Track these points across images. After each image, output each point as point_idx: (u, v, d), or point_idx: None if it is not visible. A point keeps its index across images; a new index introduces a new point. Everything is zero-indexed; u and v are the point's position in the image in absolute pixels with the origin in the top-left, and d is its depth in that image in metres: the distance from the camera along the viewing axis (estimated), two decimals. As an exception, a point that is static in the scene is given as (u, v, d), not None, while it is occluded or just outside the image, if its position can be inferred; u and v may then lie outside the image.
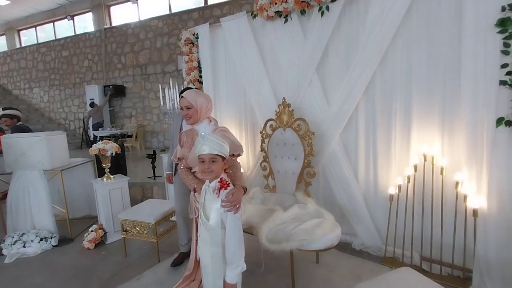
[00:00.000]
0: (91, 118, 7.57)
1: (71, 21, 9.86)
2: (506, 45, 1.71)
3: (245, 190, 1.44)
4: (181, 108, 1.83)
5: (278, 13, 2.67)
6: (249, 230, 2.26)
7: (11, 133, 3.47)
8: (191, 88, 2.59)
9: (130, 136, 7.40)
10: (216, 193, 1.32)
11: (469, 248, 1.97)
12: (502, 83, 1.74)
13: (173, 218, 2.79)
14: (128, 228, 2.62)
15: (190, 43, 3.53)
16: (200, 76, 3.58)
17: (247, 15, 2.99)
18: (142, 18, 8.48)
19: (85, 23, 9.71)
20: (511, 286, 1.80)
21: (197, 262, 1.72)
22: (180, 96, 1.96)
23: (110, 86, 8.52)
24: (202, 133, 1.29)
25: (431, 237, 2.12)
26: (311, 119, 2.59)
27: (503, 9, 1.70)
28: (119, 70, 8.84)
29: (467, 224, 1.95)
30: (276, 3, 2.60)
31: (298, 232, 1.96)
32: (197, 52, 3.56)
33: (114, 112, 9.01)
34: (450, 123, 2.02)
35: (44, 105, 10.44)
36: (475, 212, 1.88)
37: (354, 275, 2.18)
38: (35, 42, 10.61)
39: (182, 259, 2.43)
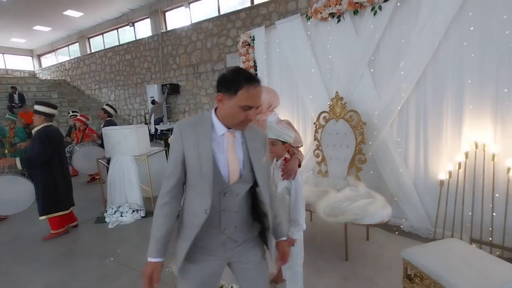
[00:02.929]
0: (153, 114, 8.54)
1: (132, 27, 11.05)
2: None
3: (300, 163, 1.76)
4: None
5: (332, 14, 2.94)
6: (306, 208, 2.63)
7: (104, 126, 4.28)
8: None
9: (185, 130, 8.20)
10: (281, 169, 1.69)
11: (520, 231, 2.09)
12: (558, 73, 1.83)
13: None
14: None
15: (247, 45, 3.95)
16: (256, 74, 3.99)
17: (301, 17, 3.30)
18: (194, 21, 9.21)
19: (144, 29, 10.81)
20: None
21: None
22: None
23: (167, 85, 9.45)
24: (269, 123, 1.68)
25: (482, 220, 2.26)
26: (362, 110, 2.83)
27: (560, 2, 1.78)
28: (174, 70, 9.74)
29: (519, 207, 2.06)
30: (330, 6, 2.87)
31: (352, 209, 2.27)
32: (253, 53, 3.97)
33: (170, 108, 9.97)
34: (502, 113, 2.13)
35: (111, 103, 11.91)
36: (527, 196, 1.99)
37: (404, 251, 2.42)
38: (102, 48, 12.11)
39: None
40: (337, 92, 2.91)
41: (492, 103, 2.18)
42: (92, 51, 12.74)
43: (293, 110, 3.70)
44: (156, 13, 10.00)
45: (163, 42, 9.83)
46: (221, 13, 8.69)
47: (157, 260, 1.10)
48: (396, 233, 2.76)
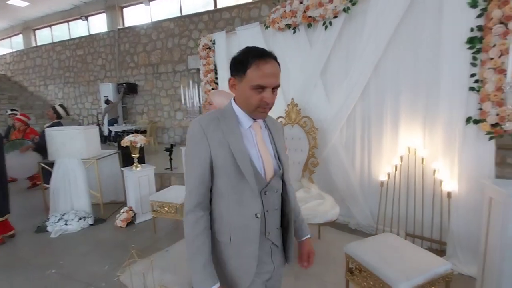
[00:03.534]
0: (107, 114, 8.03)
1: (85, 21, 10.31)
2: (474, 58, 2.12)
3: None
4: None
5: (288, 25, 3.10)
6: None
7: (49, 127, 3.93)
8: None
9: (143, 132, 7.85)
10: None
11: (444, 225, 2.40)
12: (471, 89, 2.15)
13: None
14: (157, 208, 3.07)
15: (207, 48, 3.96)
16: (216, 78, 4.02)
17: (260, 26, 3.42)
18: (154, 20, 8.92)
19: (99, 23, 10.16)
20: (476, 254, 2.21)
21: None
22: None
23: (124, 84, 8.98)
24: None
25: (414, 216, 2.55)
26: (315, 117, 3.02)
27: (472, 29, 2.10)
28: (131, 69, 9.29)
29: (443, 204, 2.37)
30: (286, 17, 3.02)
31: (304, 210, 2.39)
32: (214, 56, 3.99)
33: (127, 108, 9.47)
34: (430, 121, 2.43)
35: (59, 102, 10.92)
36: (449, 194, 2.30)
37: (350, 247, 2.62)
38: (50, 41, 11.08)
39: None
40: (292, 99, 3.07)
41: (422, 113, 2.48)
42: (38, 44, 11.59)
43: (252, 115, 3.79)
44: (113, 8, 9.48)
45: (120, 39, 9.34)
46: (183, 13, 8.55)
47: (218, 285, 0.91)
48: (345, 230, 2.98)
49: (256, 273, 0.96)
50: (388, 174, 2.66)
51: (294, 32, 3.10)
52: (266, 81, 0.90)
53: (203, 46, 3.98)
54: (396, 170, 2.60)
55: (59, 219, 3.30)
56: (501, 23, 1.95)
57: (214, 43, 3.94)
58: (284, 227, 1.08)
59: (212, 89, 4.01)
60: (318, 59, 2.99)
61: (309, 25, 2.99)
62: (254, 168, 0.94)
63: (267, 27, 3.34)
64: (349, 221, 3.02)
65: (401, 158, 2.57)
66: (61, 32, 11.07)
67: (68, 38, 10.65)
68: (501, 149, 2.93)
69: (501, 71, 1.95)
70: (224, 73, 3.88)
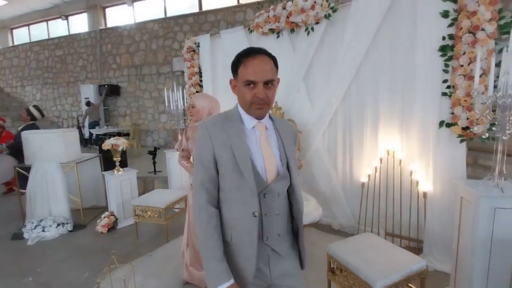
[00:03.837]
0: (88, 116, 7.80)
1: (65, 21, 10.00)
2: (446, 65, 2.24)
3: None
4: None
5: (271, 30, 3.15)
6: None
7: (23, 129, 3.78)
8: None
9: (126, 135, 7.68)
10: None
11: (420, 224, 2.50)
12: (444, 94, 2.27)
13: (177, 206, 3.22)
14: (140, 213, 3.02)
15: (192, 51, 3.95)
16: (201, 80, 4.01)
17: (244, 30, 3.45)
18: (137, 21, 8.77)
19: (80, 23, 9.87)
20: (450, 252, 2.32)
21: None
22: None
23: (106, 86, 8.76)
24: None
25: (393, 216, 2.64)
26: (298, 120, 3.07)
27: (443, 38, 2.22)
28: (114, 70, 9.08)
29: (419, 204, 2.47)
30: (270, 22, 3.07)
31: (287, 211, 2.43)
32: (198, 59, 3.99)
33: (109, 111, 9.24)
34: (407, 124, 2.54)
35: (36, 103, 10.49)
36: (424, 195, 2.41)
37: (332, 247, 2.67)
38: (28, 41, 10.65)
39: None
40: (276, 102, 3.11)
41: (399, 117, 2.59)
42: (16, 43, 11.11)
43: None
44: (95, 8, 9.25)
45: (102, 39, 9.12)
46: (168, 15, 8.47)
47: (232, 281, 0.92)
48: (328, 231, 3.04)
49: (255, 277, 0.96)
50: (369, 176, 2.74)
51: (278, 36, 3.15)
52: (255, 76, 0.94)
53: (187, 48, 3.97)
54: (376, 172, 2.69)
55: (36, 226, 3.18)
56: (470, 32, 2.07)
57: (198, 46, 3.94)
58: (295, 233, 1.09)
59: (196, 91, 4.00)
60: (301, 63, 3.06)
61: (292, 30, 3.06)
62: (254, 169, 0.95)
63: (251, 31, 3.38)
64: (332, 222, 3.09)
65: (381, 160, 2.66)
66: (39, 32, 10.66)
67: (47, 37, 10.27)
68: (473, 151, 3.10)
69: (470, 77, 2.07)
70: (208, 76, 3.88)
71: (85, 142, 8.42)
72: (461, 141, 2.21)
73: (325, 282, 2.00)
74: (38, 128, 4.05)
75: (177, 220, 3.21)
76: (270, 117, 1.08)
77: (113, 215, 3.35)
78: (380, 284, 1.54)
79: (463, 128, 2.17)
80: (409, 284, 1.73)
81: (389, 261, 1.69)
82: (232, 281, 0.92)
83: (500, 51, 1.75)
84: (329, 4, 2.78)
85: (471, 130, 2.11)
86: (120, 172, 3.42)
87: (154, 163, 4.87)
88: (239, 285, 0.95)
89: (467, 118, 2.13)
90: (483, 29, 2.02)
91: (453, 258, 1.97)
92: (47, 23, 10.45)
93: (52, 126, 9.89)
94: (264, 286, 1.02)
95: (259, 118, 1.02)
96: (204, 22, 7.82)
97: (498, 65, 1.78)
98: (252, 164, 0.95)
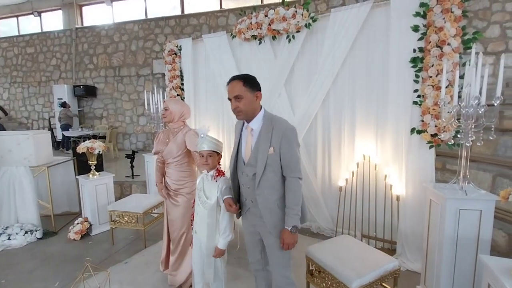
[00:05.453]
0: (61, 118, 7.45)
1: (38, 17, 9.54)
2: (416, 76, 2.39)
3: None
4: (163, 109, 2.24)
5: (254, 36, 3.20)
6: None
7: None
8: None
9: (102, 137, 7.40)
10: (214, 180, 1.71)
11: (394, 226, 2.62)
12: (414, 103, 2.41)
13: (156, 211, 3.14)
14: (116, 219, 2.92)
15: (173, 54, 3.92)
16: (182, 84, 3.98)
17: (227, 35, 3.48)
18: (117, 21, 8.55)
19: (54, 20, 9.45)
20: (421, 252, 2.45)
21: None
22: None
23: (81, 86, 8.42)
24: (202, 135, 1.69)
25: (369, 218, 2.75)
26: (279, 125, 3.12)
27: (414, 50, 2.37)
28: (90, 71, 8.76)
29: (393, 207, 2.60)
30: (252, 29, 3.12)
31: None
32: (180, 62, 3.96)
33: (84, 112, 8.87)
34: (381, 131, 2.67)
35: (3, 103, 9.83)
36: (397, 198, 2.53)
37: (311, 250, 2.73)
38: (-5, 36, 10.03)
39: None
40: (257, 107, 3.14)
41: (374, 123, 2.71)
42: (-21, 38, 10.41)
43: (218, 119, 3.82)
44: (71, 5, 8.92)
45: (78, 38, 8.78)
46: (149, 17, 8.33)
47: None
48: (307, 234, 3.10)
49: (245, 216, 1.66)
50: (346, 180, 2.84)
51: (260, 43, 3.21)
52: (229, 95, 1.50)
53: (169, 51, 3.93)
54: (353, 176, 2.80)
55: (1, 234, 2.97)
56: (438, 46, 2.23)
57: (180, 49, 3.91)
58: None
59: (178, 95, 3.96)
60: (282, 69, 3.13)
61: (274, 38, 3.13)
62: (239, 154, 1.60)
63: (233, 37, 3.41)
64: (311, 225, 3.15)
65: (358, 164, 2.77)
66: (8, 28, 10.08)
67: (17, 34, 9.74)
68: (442, 156, 3.30)
69: (438, 88, 2.23)
70: (190, 80, 3.86)
71: (57, 145, 8.02)
72: (430, 147, 2.35)
73: (304, 284, 2.04)
74: (3, 128, 3.81)
75: (156, 225, 3.14)
76: (268, 118, 1.53)
77: (87, 221, 3.21)
78: (355, 284, 1.60)
79: (432, 135, 2.31)
80: (383, 284, 1.81)
81: (364, 261, 1.76)
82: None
83: (464, 64, 1.90)
84: (309, 14, 2.88)
85: (439, 137, 2.26)
86: (95, 176, 3.30)
87: (132, 167, 4.73)
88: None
89: (435, 126, 2.28)
90: (449, 44, 2.19)
91: (423, 257, 2.08)
92: (17, 19, 9.91)
93: (21, 127, 9.34)
94: (254, 225, 1.64)
95: (247, 121, 1.54)
96: (186, 25, 7.78)
97: (462, 77, 1.94)
98: (238, 150, 1.60)
